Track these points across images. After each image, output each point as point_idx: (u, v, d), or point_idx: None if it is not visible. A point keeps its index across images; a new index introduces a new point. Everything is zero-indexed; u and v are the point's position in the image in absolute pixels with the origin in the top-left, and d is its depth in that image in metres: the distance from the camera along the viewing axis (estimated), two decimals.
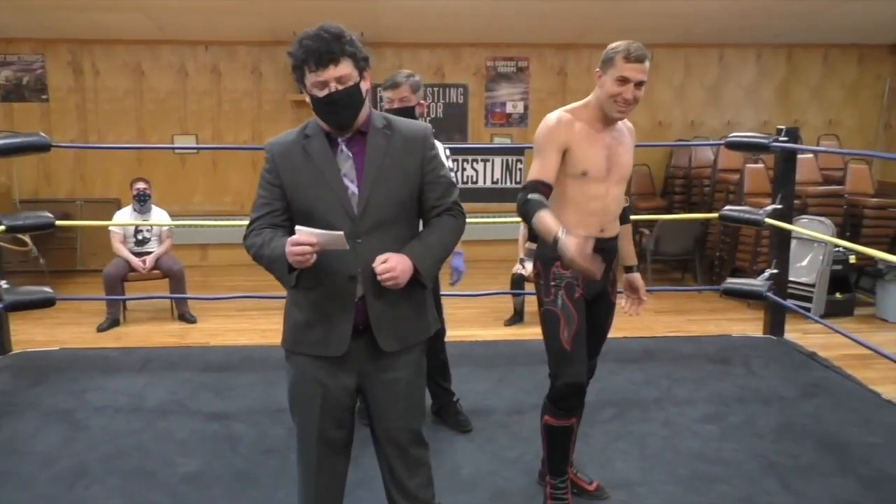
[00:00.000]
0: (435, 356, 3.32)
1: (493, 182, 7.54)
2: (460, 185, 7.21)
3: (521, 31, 6.92)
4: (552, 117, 2.44)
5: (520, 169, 7.55)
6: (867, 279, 6.17)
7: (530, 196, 2.35)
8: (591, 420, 3.41)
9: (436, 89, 7.33)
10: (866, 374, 4.15)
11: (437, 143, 3.24)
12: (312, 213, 1.91)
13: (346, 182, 1.91)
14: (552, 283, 2.50)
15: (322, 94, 1.84)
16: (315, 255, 1.79)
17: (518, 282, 5.38)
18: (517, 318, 5.51)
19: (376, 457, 2.09)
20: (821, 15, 6.47)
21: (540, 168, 2.40)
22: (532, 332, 5.15)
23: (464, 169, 7.49)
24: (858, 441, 3.13)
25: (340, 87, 1.84)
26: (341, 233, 1.78)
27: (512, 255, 5.87)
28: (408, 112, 3.05)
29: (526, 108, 7.49)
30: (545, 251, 2.49)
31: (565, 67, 7.46)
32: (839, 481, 2.83)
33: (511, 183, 7.54)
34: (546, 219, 2.28)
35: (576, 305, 2.47)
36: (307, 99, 1.91)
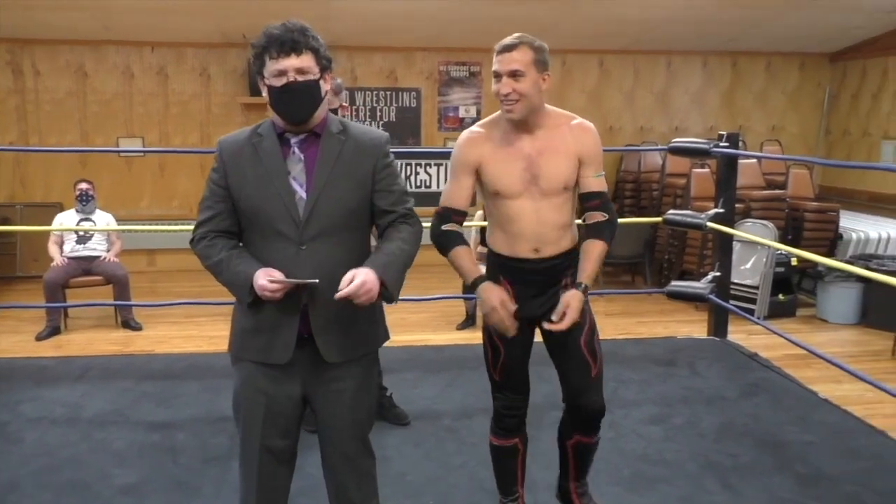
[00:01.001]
0: None
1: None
2: (413, 190, 7.29)
3: (474, 35, 6.95)
4: (462, 136, 2.31)
5: None
6: (808, 281, 6.35)
7: (444, 227, 2.25)
8: (537, 423, 3.42)
9: (388, 93, 7.31)
10: (806, 374, 4.27)
11: None
12: (257, 215, 1.87)
13: (295, 185, 1.87)
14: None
15: (280, 83, 1.81)
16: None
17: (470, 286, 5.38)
18: (469, 321, 5.52)
19: (322, 466, 2.06)
20: (763, 24, 6.65)
21: (450, 194, 2.28)
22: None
23: (417, 173, 7.49)
24: (795, 440, 3.21)
25: (300, 79, 1.81)
26: (317, 280, 1.81)
27: None
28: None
29: (479, 112, 7.51)
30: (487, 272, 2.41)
31: None
32: (776, 479, 2.90)
33: None
34: (463, 258, 2.23)
35: (501, 338, 2.32)
36: (264, 93, 1.87)
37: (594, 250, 2.28)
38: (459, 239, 2.25)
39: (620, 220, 6.16)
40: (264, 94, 1.88)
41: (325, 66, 1.87)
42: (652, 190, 7.19)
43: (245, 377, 1.95)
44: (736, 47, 7.40)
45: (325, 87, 1.89)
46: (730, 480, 2.90)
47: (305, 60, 1.81)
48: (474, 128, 2.33)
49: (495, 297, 2.17)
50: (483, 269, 2.31)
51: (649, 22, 6.56)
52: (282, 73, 1.80)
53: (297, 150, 1.90)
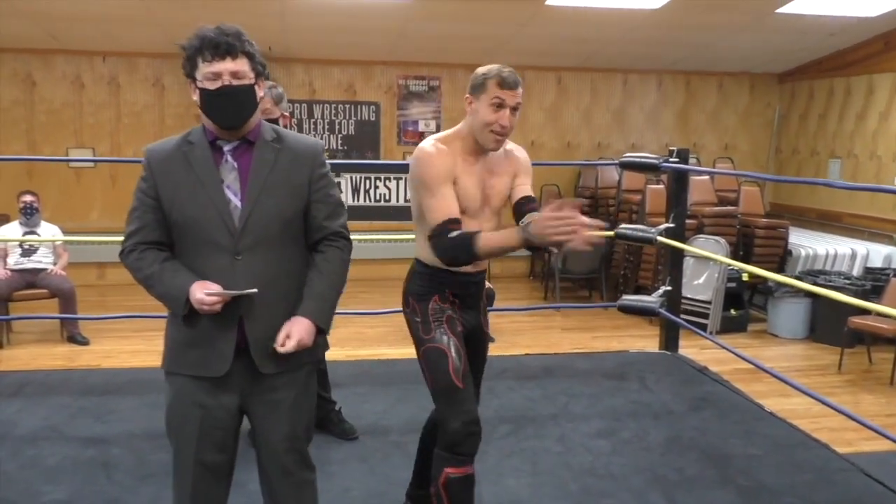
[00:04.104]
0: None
1: (406, 200, 7.52)
2: (372, 204, 7.26)
3: (432, 50, 6.98)
4: (428, 150, 2.19)
5: None
6: (760, 297, 6.46)
7: (450, 237, 2.08)
8: (486, 438, 3.39)
9: (347, 106, 7.29)
10: (755, 388, 4.32)
11: None
12: (190, 225, 1.83)
13: (229, 194, 1.83)
14: (431, 320, 2.29)
15: (214, 86, 1.77)
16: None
17: None
18: None
19: (259, 480, 2.01)
20: (713, 45, 6.80)
21: (439, 207, 2.13)
22: None
23: (377, 187, 7.45)
24: (740, 453, 3.23)
25: (235, 83, 1.77)
26: (255, 290, 1.80)
27: None
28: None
29: (438, 126, 7.53)
30: (416, 285, 2.33)
31: None
32: (719, 493, 2.90)
33: None
34: (492, 239, 2.04)
35: (460, 339, 2.28)
36: (195, 96, 1.83)
37: None
38: (470, 233, 2.07)
39: None
40: (195, 98, 1.84)
41: (259, 72, 1.84)
42: (609, 205, 7.26)
43: (178, 390, 1.90)
44: (688, 67, 7.55)
45: (260, 93, 1.87)
46: (674, 494, 2.89)
47: (240, 64, 1.78)
48: (436, 143, 2.23)
49: (559, 217, 1.82)
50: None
51: (604, 40, 6.66)
52: (216, 76, 1.77)
53: (230, 157, 1.86)
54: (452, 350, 2.25)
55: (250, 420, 1.95)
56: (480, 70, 2.22)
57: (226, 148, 1.86)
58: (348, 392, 3.86)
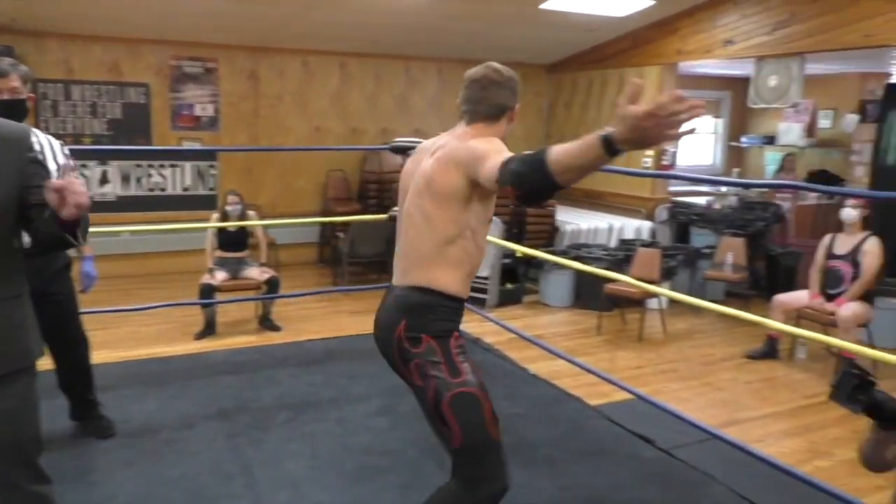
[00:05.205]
0: (78, 366, 3.16)
1: (183, 189, 7.13)
2: (146, 193, 6.77)
3: (208, 30, 6.65)
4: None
5: (213, 175, 7.24)
6: (533, 270, 6.97)
7: (517, 156, 1.73)
8: (266, 425, 3.38)
9: (112, 88, 6.72)
10: (527, 354, 4.66)
11: (53, 140, 2.96)
12: None
13: None
14: (457, 358, 1.94)
15: None
16: None
17: (207, 292, 5.14)
18: (209, 330, 5.25)
19: None
20: (488, 35, 7.17)
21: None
22: (223, 343, 4.96)
23: (150, 175, 6.97)
24: (504, 413, 3.39)
25: None
26: None
27: (201, 264, 5.61)
28: (19, 105, 2.78)
29: (217, 111, 7.20)
30: (436, 322, 1.95)
31: (257, 71, 7.33)
32: None
33: (204, 189, 7.20)
34: (565, 149, 1.60)
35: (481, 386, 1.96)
36: None
37: None
38: (539, 150, 1.65)
39: (360, 217, 6.31)
40: None
41: None
42: (394, 190, 7.42)
43: None
44: (466, 56, 7.88)
45: None
46: (446, 461, 3.04)
47: None
48: None
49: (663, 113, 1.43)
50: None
51: (386, 27, 6.76)
52: None
53: None
54: (485, 392, 1.94)
55: None
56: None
57: None
58: (117, 394, 3.64)
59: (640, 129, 1.45)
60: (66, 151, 3.06)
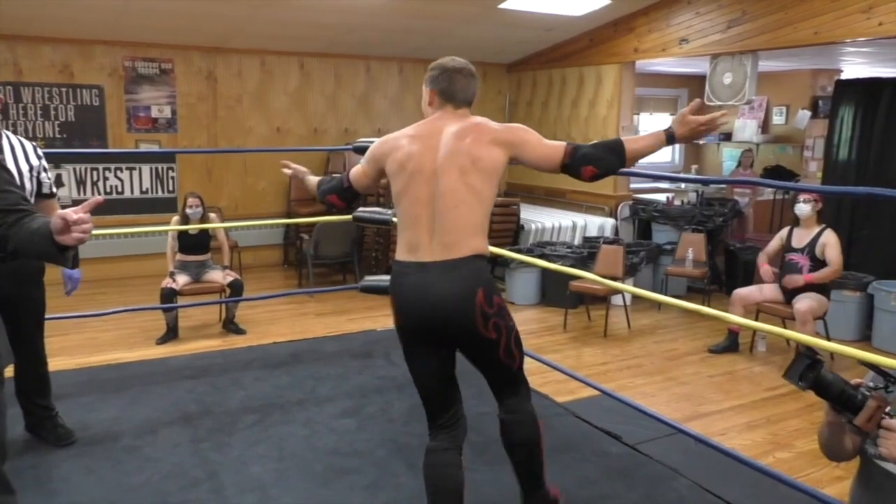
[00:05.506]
0: (33, 371, 3.08)
1: (141, 192, 6.99)
2: (104, 196, 6.63)
3: (162, 30, 6.52)
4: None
5: (172, 177, 7.10)
6: (500, 268, 6.99)
7: (597, 142, 2.29)
8: (231, 429, 3.32)
9: (64, 90, 6.55)
10: None
11: (25, 142, 2.91)
12: None
13: None
14: (505, 306, 2.31)
15: None
16: None
17: (169, 296, 5.04)
18: (171, 334, 5.16)
19: None
20: (449, 35, 7.17)
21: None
22: (186, 347, 4.88)
23: (106, 178, 6.82)
24: (473, 413, 3.42)
25: None
26: None
27: (162, 269, 5.50)
28: None
29: (174, 112, 7.07)
30: (492, 283, 2.25)
31: (214, 72, 7.21)
32: None
33: (163, 192, 7.06)
34: (639, 141, 2.26)
35: None
36: None
37: None
38: (615, 140, 2.29)
39: (325, 218, 6.25)
40: None
41: None
42: (384, 183, 7.37)
43: None
44: (426, 55, 7.87)
45: None
46: (414, 460, 3.04)
47: None
48: None
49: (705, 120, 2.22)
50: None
51: (345, 26, 6.71)
52: None
53: None
54: None
55: None
56: None
57: None
58: (75, 401, 3.54)
59: (696, 132, 2.19)
60: (40, 153, 3.01)
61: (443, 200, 2.17)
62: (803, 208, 4.82)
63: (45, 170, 3.03)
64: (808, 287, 4.69)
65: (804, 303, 4.62)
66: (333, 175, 2.70)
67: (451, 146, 2.22)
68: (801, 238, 4.84)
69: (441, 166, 2.20)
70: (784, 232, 5.00)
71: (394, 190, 2.28)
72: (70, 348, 4.69)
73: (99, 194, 6.67)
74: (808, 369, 1.49)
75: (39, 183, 2.98)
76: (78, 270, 3.18)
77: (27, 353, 2.99)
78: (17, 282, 2.82)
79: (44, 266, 3.02)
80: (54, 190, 3.13)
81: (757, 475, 2.80)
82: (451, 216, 2.17)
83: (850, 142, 6.50)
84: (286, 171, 2.85)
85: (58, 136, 6.52)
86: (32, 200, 2.96)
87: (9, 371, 2.74)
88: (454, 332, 2.22)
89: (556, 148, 2.25)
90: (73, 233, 1.57)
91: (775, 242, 5.01)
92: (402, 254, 2.24)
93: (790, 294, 4.78)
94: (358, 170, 2.48)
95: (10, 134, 2.95)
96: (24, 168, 2.90)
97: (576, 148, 2.23)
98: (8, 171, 1.84)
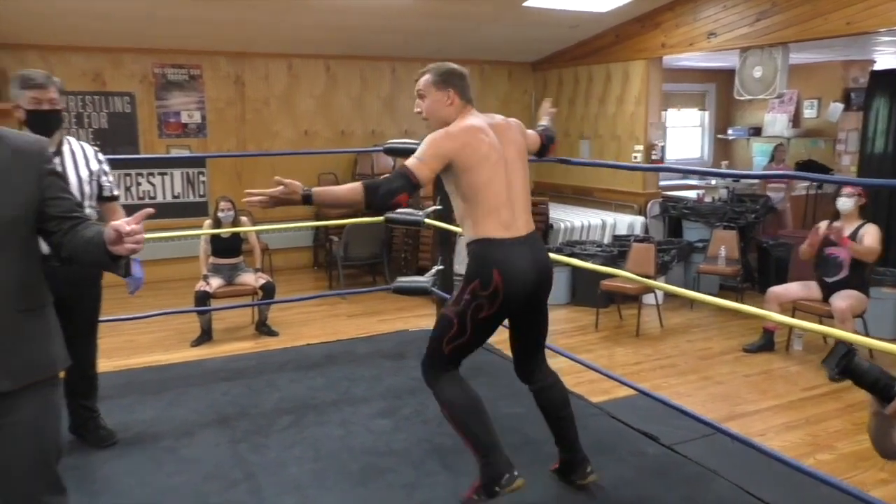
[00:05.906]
0: (83, 373, 3.11)
1: (173, 196, 7.09)
2: (136, 202, 6.72)
3: (189, 37, 6.61)
4: None
5: (202, 181, 7.19)
6: None
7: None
8: (267, 430, 3.35)
9: (97, 98, 6.66)
10: None
11: (87, 147, 2.97)
12: None
13: None
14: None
15: None
16: None
17: (202, 299, 5.10)
18: (205, 337, 5.22)
19: None
20: (473, 35, 7.17)
21: None
22: (220, 349, 4.93)
23: (139, 184, 6.93)
24: (507, 413, 3.48)
25: None
26: None
27: (195, 272, 5.57)
28: (56, 116, 2.84)
29: (203, 117, 7.16)
30: None
31: (242, 76, 7.29)
32: None
33: (194, 196, 7.15)
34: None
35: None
36: None
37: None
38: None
39: (357, 221, 6.28)
40: None
41: None
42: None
43: None
44: (451, 55, 7.86)
45: None
46: (449, 461, 3.05)
47: None
48: None
49: None
50: None
51: (369, 28, 6.74)
52: None
53: None
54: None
55: None
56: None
57: None
58: (115, 403, 3.60)
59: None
60: (101, 157, 3.06)
61: (517, 183, 2.58)
62: (846, 203, 4.71)
63: (105, 173, 3.08)
64: (847, 284, 4.60)
65: (843, 300, 4.53)
66: (365, 177, 2.76)
67: (508, 137, 2.60)
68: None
69: (509, 155, 2.58)
70: (823, 225, 4.84)
71: (474, 179, 2.50)
72: (107, 351, 4.75)
73: (132, 200, 6.78)
74: (843, 358, 1.50)
75: (101, 186, 3.04)
76: (141, 270, 3.23)
77: (79, 354, 3.03)
78: (72, 283, 2.82)
79: (101, 271, 3.06)
80: (115, 193, 3.16)
81: (798, 477, 2.74)
82: (523, 197, 2.61)
83: (886, 134, 6.38)
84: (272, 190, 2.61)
85: (92, 143, 6.61)
86: (94, 203, 3.03)
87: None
88: (544, 293, 2.66)
89: (535, 134, 3.03)
90: (126, 244, 1.61)
91: (817, 237, 4.79)
92: (498, 231, 2.52)
93: (828, 292, 4.69)
94: (420, 166, 2.47)
95: (72, 140, 3.01)
96: (84, 174, 2.96)
97: (543, 132, 3.10)
98: (64, 177, 1.89)
